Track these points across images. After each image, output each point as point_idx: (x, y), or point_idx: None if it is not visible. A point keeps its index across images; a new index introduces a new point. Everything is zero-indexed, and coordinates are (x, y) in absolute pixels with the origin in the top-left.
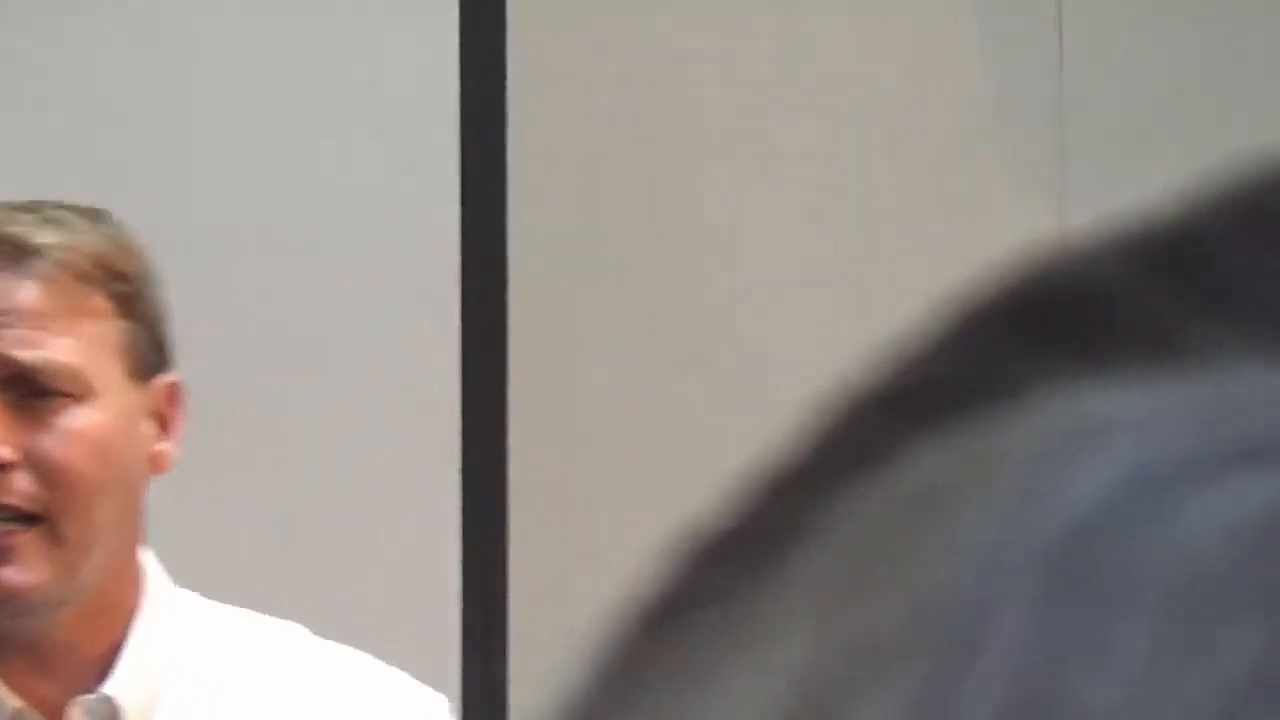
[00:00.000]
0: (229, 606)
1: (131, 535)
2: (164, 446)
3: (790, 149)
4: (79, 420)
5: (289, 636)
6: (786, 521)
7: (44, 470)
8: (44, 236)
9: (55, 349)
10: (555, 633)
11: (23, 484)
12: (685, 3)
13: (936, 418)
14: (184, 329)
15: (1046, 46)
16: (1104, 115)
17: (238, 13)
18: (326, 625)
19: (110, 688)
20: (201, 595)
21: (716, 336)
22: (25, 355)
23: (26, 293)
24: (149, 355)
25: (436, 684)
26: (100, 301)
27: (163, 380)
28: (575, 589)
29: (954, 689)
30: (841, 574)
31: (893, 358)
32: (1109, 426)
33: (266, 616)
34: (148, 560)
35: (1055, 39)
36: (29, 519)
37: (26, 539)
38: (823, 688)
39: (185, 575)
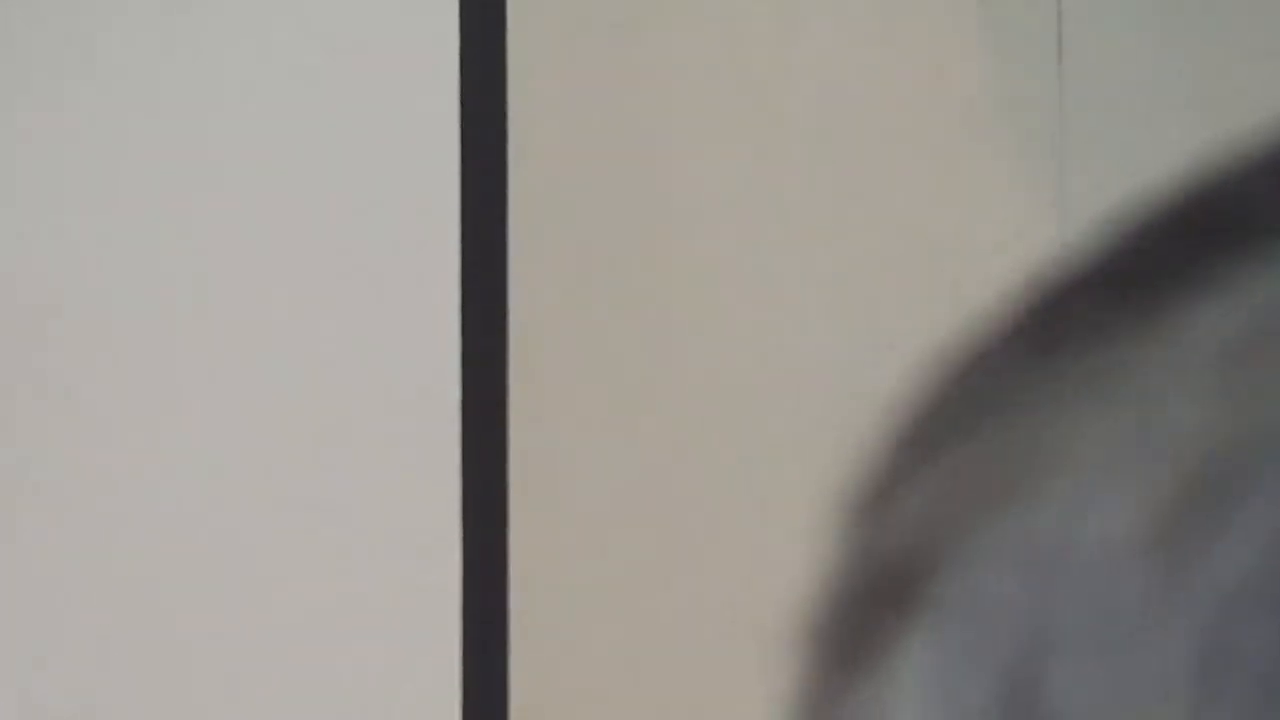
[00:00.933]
0: None
1: None
2: None
3: (787, 139)
4: None
5: None
6: (1167, 267)
7: None
8: None
9: None
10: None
11: None
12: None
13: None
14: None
15: (1046, 37)
16: (1105, 107)
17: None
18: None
19: None
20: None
21: (713, 330)
22: None
23: None
24: None
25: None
26: None
27: None
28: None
29: None
30: (1240, 349)
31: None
32: None
33: None
34: None
35: (1055, 26)
36: None
37: None
38: (1214, 460)
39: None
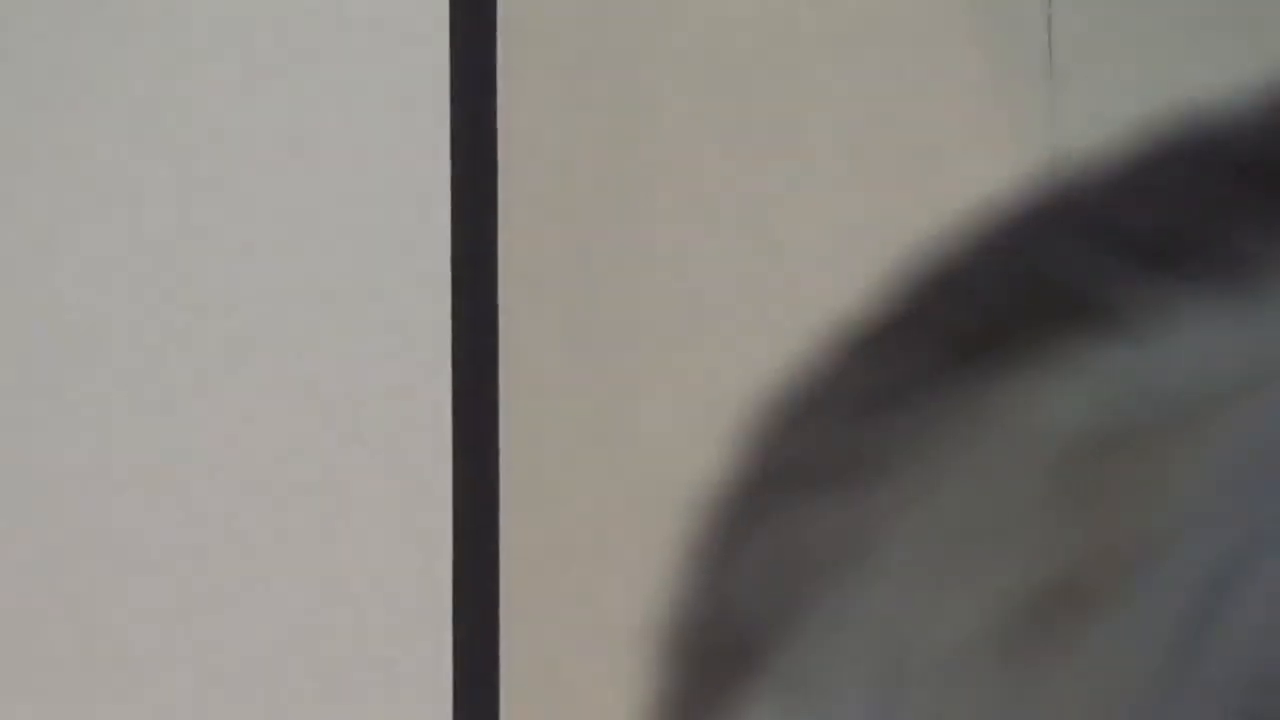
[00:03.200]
0: None
1: None
2: None
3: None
4: None
5: None
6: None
7: None
8: None
9: None
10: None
11: None
12: None
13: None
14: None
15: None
16: (1095, 68)
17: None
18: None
19: None
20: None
21: (718, 293)
22: None
23: None
24: None
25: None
26: None
27: None
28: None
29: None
30: (1093, 447)
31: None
32: None
33: None
34: None
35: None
36: None
37: None
38: (1069, 571)
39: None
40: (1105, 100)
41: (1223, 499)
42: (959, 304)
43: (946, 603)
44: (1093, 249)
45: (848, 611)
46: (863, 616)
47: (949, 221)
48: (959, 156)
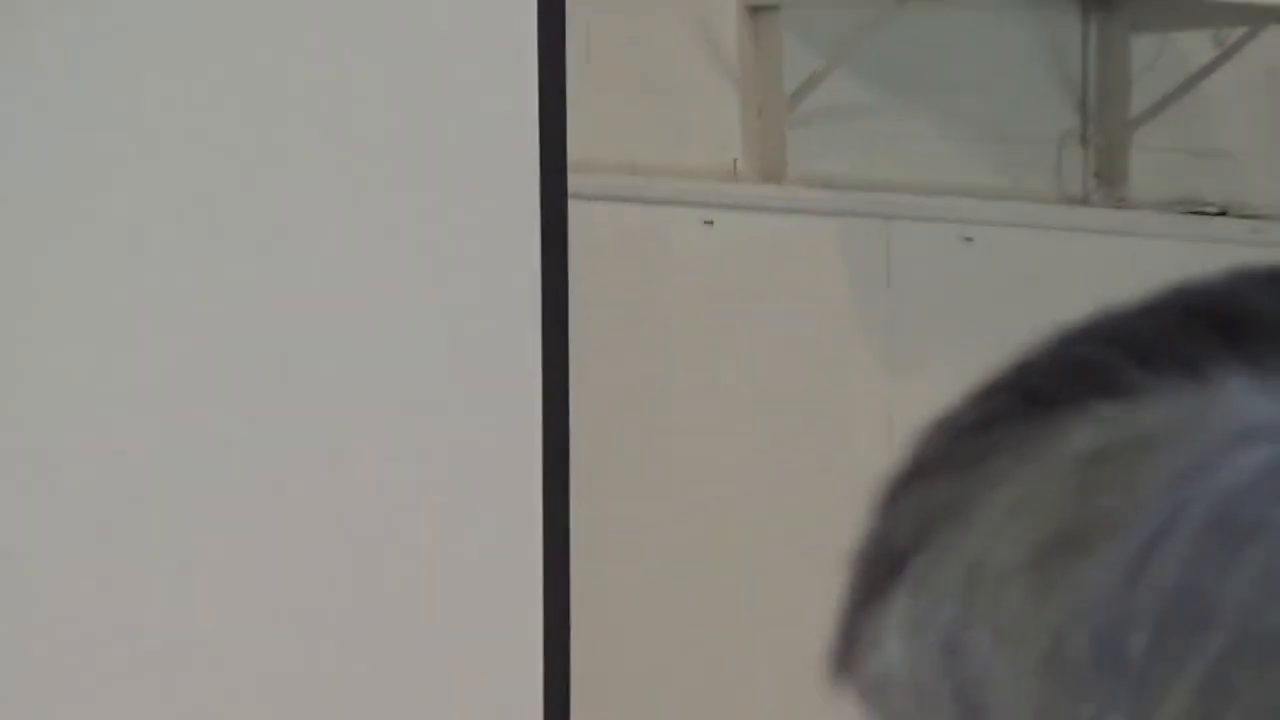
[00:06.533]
0: None
1: None
2: None
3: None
4: None
5: None
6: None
7: None
8: None
9: None
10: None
11: None
12: None
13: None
14: None
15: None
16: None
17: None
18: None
19: None
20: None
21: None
22: None
23: None
24: None
25: None
26: None
27: None
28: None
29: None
30: (1090, 459)
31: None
32: (1257, 428)
33: None
34: None
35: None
36: None
37: None
38: (1068, 526)
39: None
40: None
41: (1162, 492)
42: (1029, 375)
43: (1006, 541)
44: (1110, 352)
45: (952, 543)
46: (960, 546)
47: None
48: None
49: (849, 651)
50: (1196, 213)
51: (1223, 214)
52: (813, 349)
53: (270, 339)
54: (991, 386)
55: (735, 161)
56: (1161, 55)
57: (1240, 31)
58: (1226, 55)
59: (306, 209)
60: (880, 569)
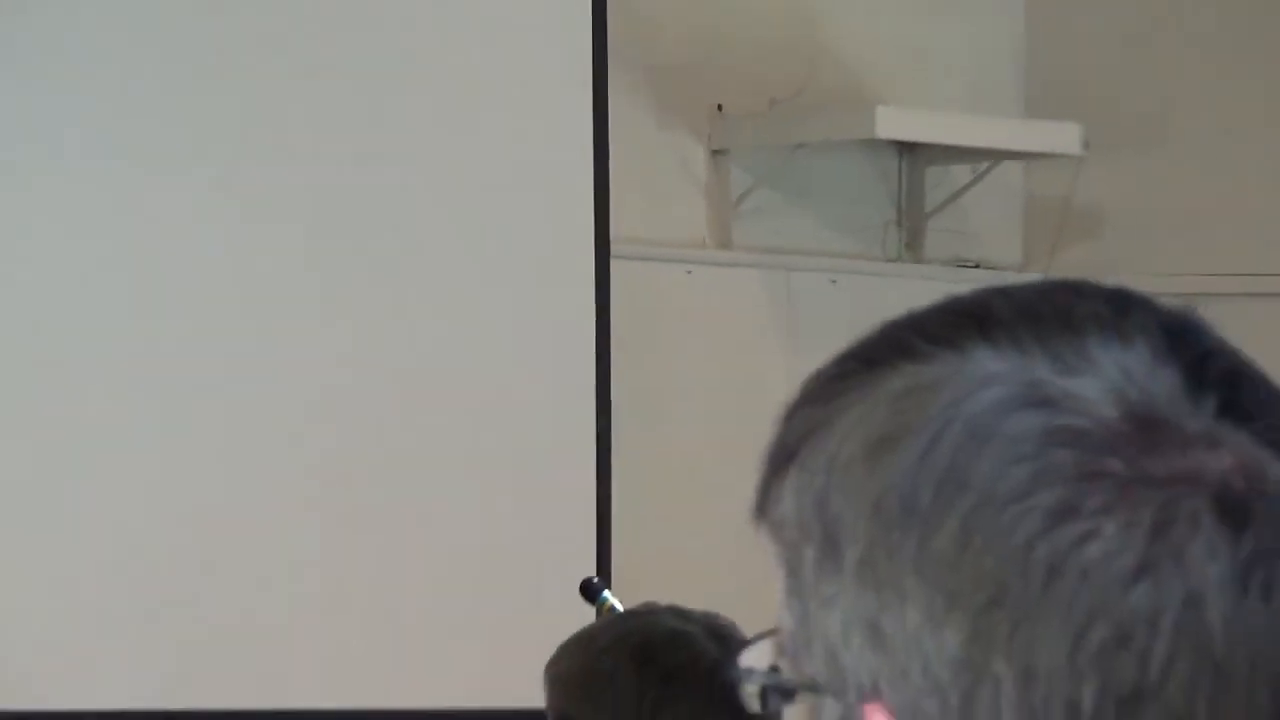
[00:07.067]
0: None
1: None
2: None
3: None
4: None
5: None
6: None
7: None
8: None
9: None
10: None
11: None
12: None
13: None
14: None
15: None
16: None
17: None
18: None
19: None
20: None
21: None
22: None
23: None
24: None
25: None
26: None
27: None
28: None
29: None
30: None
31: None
32: (993, 376)
33: None
34: None
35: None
36: None
37: None
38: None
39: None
40: None
41: (938, 413)
42: (865, 346)
43: (851, 441)
44: (909, 333)
45: (820, 442)
46: (825, 442)
47: None
48: None
49: (763, 504)
50: (961, 265)
51: (976, 266)
52: (738, 356)
53: (407, 352)
54: (845, 354)
55: (704, 236)
56: (941, 180)
57: (985, 165)
58: (979, 177)
59: (439, 284)
60: (782, 454)
